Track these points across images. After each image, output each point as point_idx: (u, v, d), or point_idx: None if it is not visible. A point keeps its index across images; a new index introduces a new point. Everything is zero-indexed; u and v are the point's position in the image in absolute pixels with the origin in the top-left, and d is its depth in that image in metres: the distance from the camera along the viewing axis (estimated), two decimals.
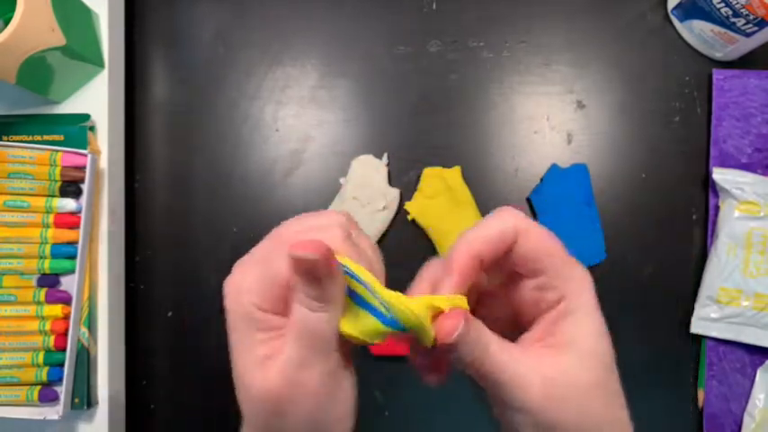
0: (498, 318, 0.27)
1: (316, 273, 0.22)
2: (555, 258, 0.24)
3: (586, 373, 0.23)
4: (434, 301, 0.23)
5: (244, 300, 0.23)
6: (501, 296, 0.27)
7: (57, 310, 0.43)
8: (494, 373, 0.23)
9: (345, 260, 0.23)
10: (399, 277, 0.51)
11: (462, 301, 0.24)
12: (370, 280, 0.23)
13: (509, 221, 0.24)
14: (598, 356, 0.24)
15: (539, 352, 0.24)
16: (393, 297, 0.22)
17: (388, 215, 0.48)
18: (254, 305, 0.23)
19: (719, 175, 0.46)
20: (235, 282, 0.23)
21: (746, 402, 0.46)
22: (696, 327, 0.47)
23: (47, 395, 0.42)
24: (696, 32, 0.48)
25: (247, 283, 0.23)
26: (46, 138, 0.45)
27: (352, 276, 0.22)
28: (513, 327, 0.26)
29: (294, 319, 0.23)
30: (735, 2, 0.42)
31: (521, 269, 0.25)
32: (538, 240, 0.24)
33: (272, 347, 0.23)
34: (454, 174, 0.47)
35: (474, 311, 0.24)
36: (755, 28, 0.43)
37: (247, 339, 0.23)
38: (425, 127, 0.49)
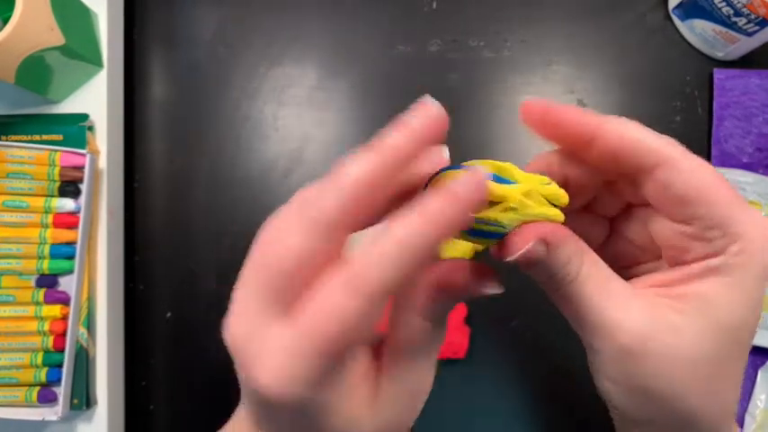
0: (633, 242, 0.21)
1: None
2: (715, 207, 0.18)
3: (708, 344, 0.18)
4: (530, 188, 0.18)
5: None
6: (638, 222, 0.21)
7: (55, 310, 0.43)
8: (579, 312, 0.19)
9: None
10: None
11: (557, 193, 0.19)
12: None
13: (658, 141, 0.19)
14: (736, 333, 0.18)
15: (653, 300, 0.19)
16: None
17: None
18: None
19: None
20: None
21: (747, 403, 0.46)
22: None
23: (46, 396, 0.42)
24: (697, 32, 0.47)
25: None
26: (45, 138, 0.45)
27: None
28: (650, 256, 0.21)
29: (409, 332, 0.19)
30: (736, 1, 0.42)
31: (664, 209, 0.19)
32: (694, 176, 0.18)
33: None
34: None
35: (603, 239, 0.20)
36: (757, 27, 0.42)
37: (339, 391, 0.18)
38: None
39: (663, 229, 0.20)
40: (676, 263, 0.20)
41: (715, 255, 0.18)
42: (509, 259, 0.18)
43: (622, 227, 0.22)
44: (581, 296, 0.18)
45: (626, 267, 0.22)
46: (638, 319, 0.18)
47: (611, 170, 0.20)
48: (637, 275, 0.21)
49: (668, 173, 0.18)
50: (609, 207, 0.22)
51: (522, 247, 0.18)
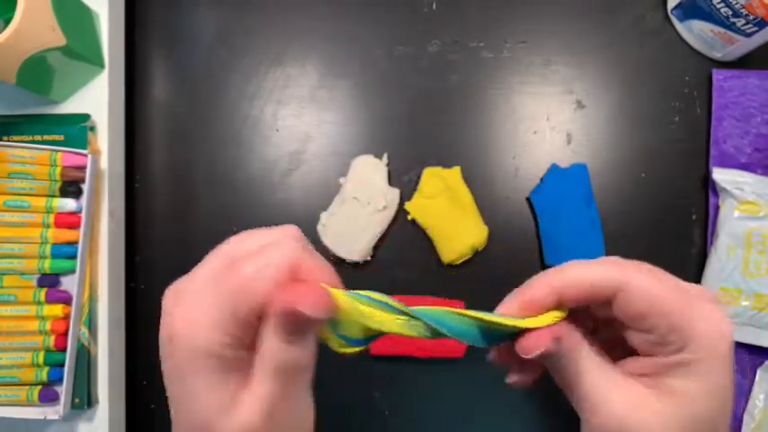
0: (611, 339, 0.25)
1: (307, 324, 0.20)
2: (667, 318, 0.22)
3: (682, 429, 0.21)
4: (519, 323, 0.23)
5: (205, 337, 0.20)
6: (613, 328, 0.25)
7: (57, 309, 0.43)
8: (582, 394, 0.22)
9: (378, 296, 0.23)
10: (399, 277, 0.51)
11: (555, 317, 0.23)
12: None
13: (607, 274, 0.23)
14: (700, 422, 0.22)
15: (636, 387, 0.22)
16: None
17: (388, 215, 0.48)
18: (218, 342, 0.20)
19: (719, 175, 0.46)
20: (188, 317, 0.21)
21: (746, 402, 0.46)
22: None
23: (47, 395, 0.42)
24: (696, 33, 0.48)
25: (206, 318, 0.20)
26: (46, 138, 0.45)
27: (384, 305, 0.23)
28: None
29: (268, 351, 0.21)
30: (734, 2, 0.42)
31: (629, 324, 0.23)
32: (644, 298, 0.22)
33: (238, 384, 0.21)
34: (454, 174, 0.47)
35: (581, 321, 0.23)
36: (755, 28, 0.43)
37: (210, 381, 0.20)
38: (425, 127, 0.49)
39: (632, 336, 0.23)
40: (649, 355, 0.23)
41: (680, 351, 0.22)
42: (531, 356, 0.22)
43: (602, 328, 0.26)
44: (580, 378, 0.22)
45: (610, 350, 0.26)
46: (626, 399, 0.22)
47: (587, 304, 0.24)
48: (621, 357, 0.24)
49: (625, 297, 0.22)
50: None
51: (542, 345, 0.22)
